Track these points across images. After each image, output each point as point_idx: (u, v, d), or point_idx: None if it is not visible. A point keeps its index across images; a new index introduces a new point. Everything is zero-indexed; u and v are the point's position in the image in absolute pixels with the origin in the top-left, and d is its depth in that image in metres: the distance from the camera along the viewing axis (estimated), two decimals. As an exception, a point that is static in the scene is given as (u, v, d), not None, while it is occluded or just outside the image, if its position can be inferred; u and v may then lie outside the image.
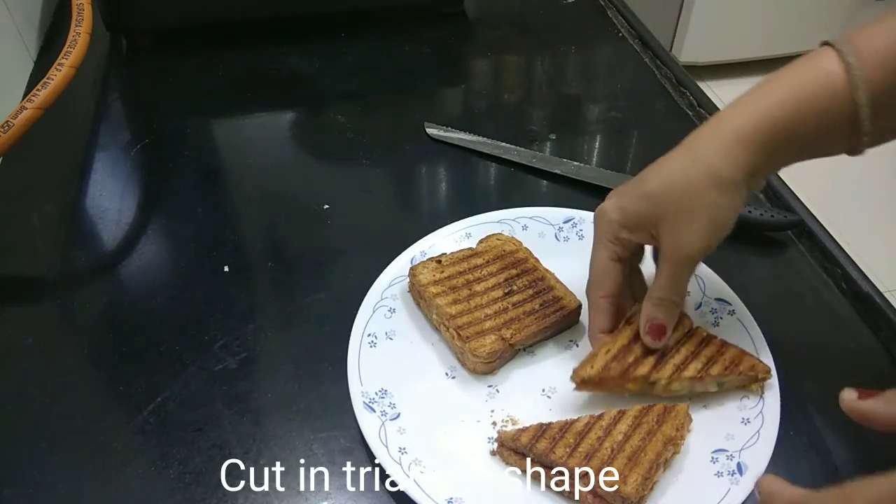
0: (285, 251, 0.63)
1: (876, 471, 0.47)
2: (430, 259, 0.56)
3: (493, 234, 0.59)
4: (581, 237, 0.60)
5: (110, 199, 0.68)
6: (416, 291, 0.55)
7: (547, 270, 0.56)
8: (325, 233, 0.64)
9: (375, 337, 0.53)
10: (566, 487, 0.44)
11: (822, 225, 0.63)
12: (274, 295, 0.59)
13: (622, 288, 0.50)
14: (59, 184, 0.71)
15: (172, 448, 0.48)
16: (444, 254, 0.57)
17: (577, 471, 0.43)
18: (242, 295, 0.58)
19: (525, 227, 0.61)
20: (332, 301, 0.58)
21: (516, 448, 0.46)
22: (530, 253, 0.57)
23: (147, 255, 0.62)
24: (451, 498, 0.44)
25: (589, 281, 0.50)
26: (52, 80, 0.61)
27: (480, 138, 0.73)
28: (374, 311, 0.54)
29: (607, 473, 0.43)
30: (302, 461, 0.47)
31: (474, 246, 0.58)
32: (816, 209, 0.64)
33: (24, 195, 0.69)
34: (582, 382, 0.48)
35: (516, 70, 0.89)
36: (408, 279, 0.56)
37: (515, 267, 0.56)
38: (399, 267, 0.57)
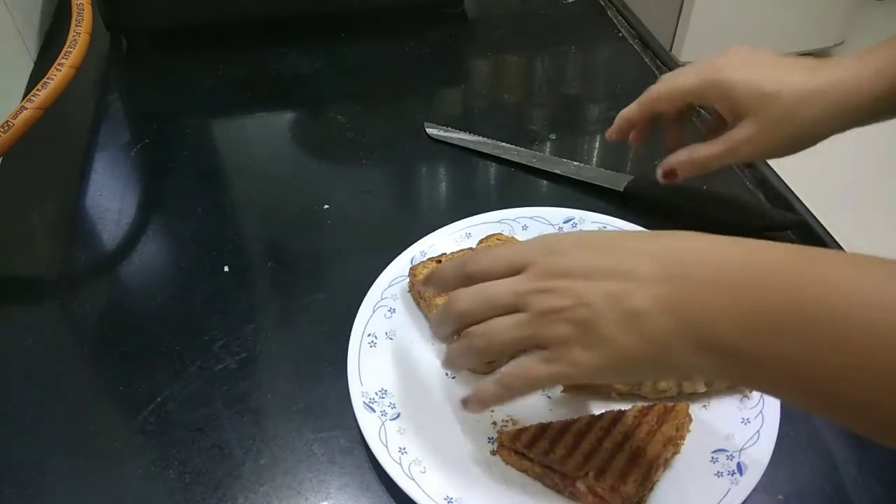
0: (285, 251, 0.63)
1: (875, 471, 0.47)
2: (430, 259, 0.56)
3: (493, 234, 0.59)
4: (581, 237, 0.60)
5: (110, 199, 0.68)
6: (416, 292, 0.55)
7: None
8: (325, 233, 0.64)
9: (375, 337, 0.53)
10: (566, 487, 0.44)
11: (822, 225, 0.63)
12: (274, 295, 0.59)
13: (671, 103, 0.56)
14: (59, 184, 0.71)
15: (172, 448, 0.48)
16: (445, 254, 0.57)
17: (578, 471, 0.43)
18: (242, 295, 0.58)
19: (525, 227, 0.61)
20: (332, 301, 0.58)
21: (516, 448, 0.46)
22: None
23: (147, 255, 0.62)
24: (451, 498, 0.44)
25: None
26: (52, 80, 0.61)
27: (480, 138, 0.73)
28: (374, 311, 0.54)
29: (607, 473, 0.43)
30: (302, 461, 0.47)
31: (474, 246, 0.58)
32: (816, 209, 0.64)
33: (24, 195, 0.69)
34: (569, 385, 0.49)
35: (516, 70, 0.89)
36: (408, 279, 0.56)
37: None
38: (399, 267, 0.57)
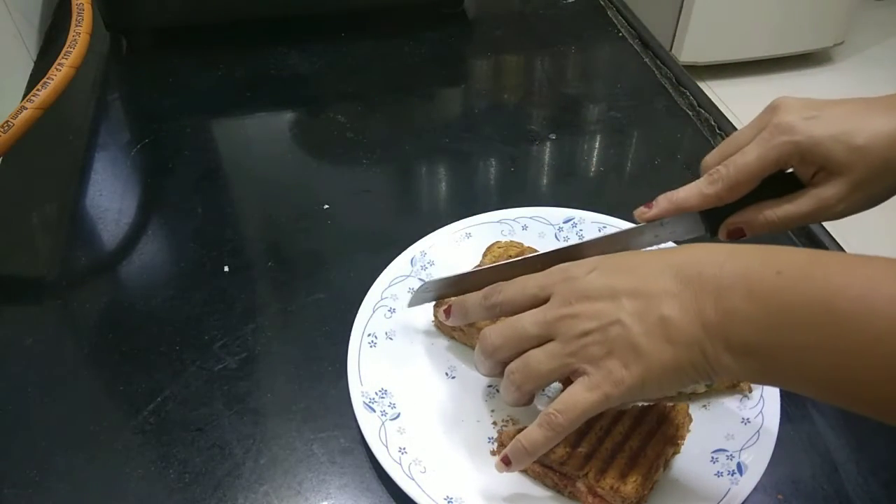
0: (285, 251, 0.63)
1: (875, 471, 0.47)
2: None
3: (494, 244, 0.58)
4: (581, 237, 0.60)
5: (110, 199, 0.68)
6: (448, 326, 0.53)
7: None
8: (325, 233, 0.64)
9: (375, 337, 0.53)
10: (566, 487, 0.44)
11: (822, 225, 0.63)
12: (274, 295, 0.59)
13: (746, 187, 0.46)
14: (59, 184, 0.71)
15: (172, 448, 0.48)
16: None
17: (578, 471, 0.43)
18: (242, 295, 0.58)
19: (525, 227, 0.61)
20: (332, 301, 0.58)
21: (516, 448, 0.46)
22: (535, 250, 0.57)
23: (147, 255, 0.62)
24: (451, 498, 0.44)
25: (722, 154, 0.47)
26: (52, 80, 0.61)
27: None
28: (374, 311, 0.54)
29: (607, 473, 0.43)
30: (302, 461, 0.47)
31: (479, 259, 0.57)
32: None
33: (24, 195, 0.69)
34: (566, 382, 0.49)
35: (516, 70, 0.89)
36: (433, 318, 0.54)
37: None
38: (399, 267, 0.57)
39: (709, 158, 0.48)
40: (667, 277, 0.38)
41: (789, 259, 0.36)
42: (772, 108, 0.46)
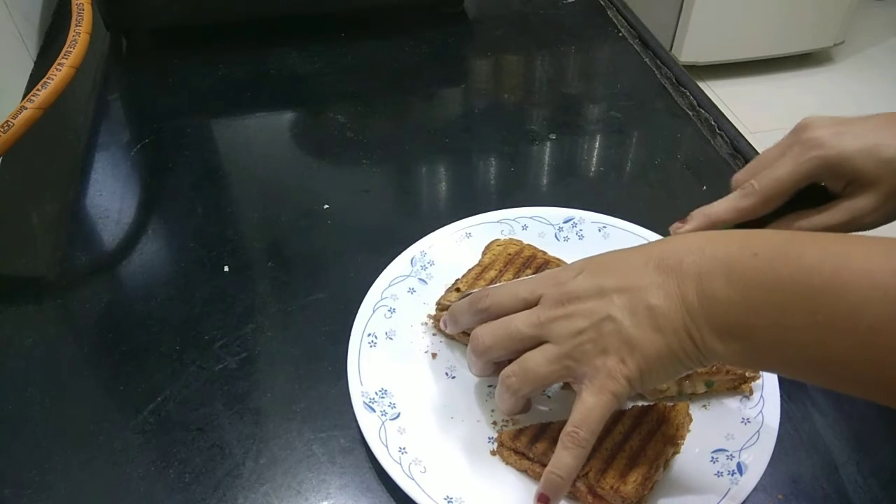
0: (285, 251, 0.63)
1: (875, 471, 0.47)
2: (449, 291, 0.54)
3: (493, 241, 0.58)
4: (581, 237, 0.60)
5: (110, 199, 0.68)
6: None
7: (558, 259, 0.56)
8: (325, 233, 0.64)
9: (375, 337, 0.53)
10: (566, 487, 0.44)
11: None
12: (274, 295, 0.59)
13: (779, 200, 0.48)
14: (59, 184, 0.71)
15: (172, 448, 0.48)
16: (458, 279, 0.55)
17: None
18: (242, 295, 0.58)
19: (525, 227, 0.61)
20: (332, 301, 0.58)
21: (516, 448, 0.46)
22: (534, 247, 0.57)
23: (147, 255, 0.62)
24: (451, 498, 0.44)
25: (753, 170, 0.48)
26: (52, 80, 0.61)
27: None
28: (374, 311, 0.54)
29: (607, 473, 0.43)
30: (302, 461, 0.47)
31: (479, 258, 0.57)
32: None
33: (24, 195, 0.69)
34: (567, 384, 0.49)
35: (516, 70, 0.89)
36: (432, 319, 0.54)
37: (529, 266, 0.55)
38: (399, 267, 0.57)
39: (739, 175, 0.50)
40: (651, 269, 0.39)
41: (766, 241, 0.37)
42: (801, 126, 0.48)
